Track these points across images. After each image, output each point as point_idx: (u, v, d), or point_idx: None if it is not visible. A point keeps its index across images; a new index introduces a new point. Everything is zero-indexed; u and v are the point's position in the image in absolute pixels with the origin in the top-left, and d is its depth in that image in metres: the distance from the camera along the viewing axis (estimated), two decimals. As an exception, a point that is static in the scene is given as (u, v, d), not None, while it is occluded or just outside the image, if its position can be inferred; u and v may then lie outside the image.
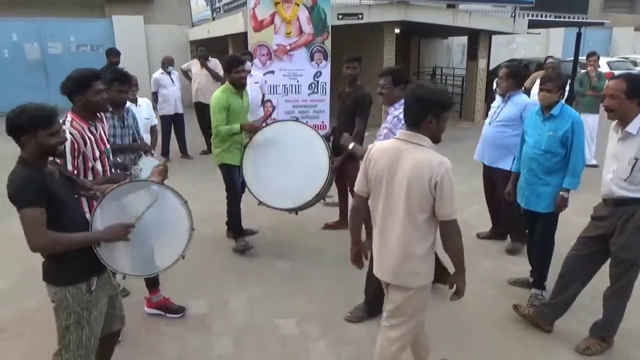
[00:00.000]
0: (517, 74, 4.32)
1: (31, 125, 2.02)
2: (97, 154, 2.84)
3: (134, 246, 2.28)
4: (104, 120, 3.11)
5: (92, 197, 2.42)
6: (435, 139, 2.25)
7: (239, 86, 4.29)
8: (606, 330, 3.06)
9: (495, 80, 4.42)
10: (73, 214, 2.19)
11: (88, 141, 2.74)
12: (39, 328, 3.27)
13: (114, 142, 3.52)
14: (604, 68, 7.59)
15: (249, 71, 6.71)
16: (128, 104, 4.61)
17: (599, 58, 7.42)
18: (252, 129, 4.27)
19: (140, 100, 4.89)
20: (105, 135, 3.09)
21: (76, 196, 2.35)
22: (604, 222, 2.94)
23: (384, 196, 2.29)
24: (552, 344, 3.14)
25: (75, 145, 2.68)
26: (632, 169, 2.73)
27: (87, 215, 2.37)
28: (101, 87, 2.75)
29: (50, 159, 2.19)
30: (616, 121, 2.86)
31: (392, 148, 2.27)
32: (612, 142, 2.92)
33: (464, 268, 2.35)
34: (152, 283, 3.42)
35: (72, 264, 2.15)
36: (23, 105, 2.08)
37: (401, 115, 3.20)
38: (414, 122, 2.23)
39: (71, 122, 2.70)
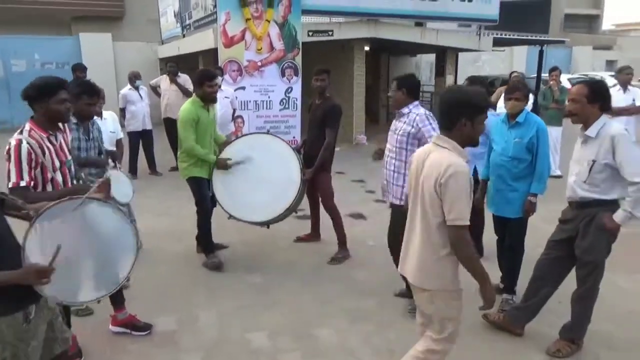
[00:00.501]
0: (478, 82, 4.40)
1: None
2: (57, 164, 2.74)
3: (74, 271, 2.13)
4: (67, 130, 3.02)
5: (24, 218, 2.17)
6: (470, 142, 2.21)
7: (210, 100, 4.26)
8: (575, 332, 3.11)
9: None
10: (3, 239, 1.96)
11: (47, 151, 2.65)
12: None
13: (79, 155, 3.43)
14: (565, 84, 7.90)
15: (219, 86, 6.71)
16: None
17: (560, 73, 7.72)
18: (223, 168, 4.25)
19: (105, 113, 4.81)
20: (67, 145, 3.00)
21: (4, 216, 2.06)
22: (569, 225, 3.02)
23: (412, 198, 2.33)
24: (524, 348, 3.17)
25: (33, 156, 2.57)
26: (590, 170, 2.83)
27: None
28: (65, 97, 2.67)
29: None
30: (581, 126, 2.96)
31: (422, 151, 2.31)
32: (577, 146, 3.02)
33: (483, 277, 2.24)
34: (117, 300, 3.29)
35: (7, 292, 1.90)
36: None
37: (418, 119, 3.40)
38: (447, 125, 2.20)
39: (29, 131, 2.60)
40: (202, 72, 4.33)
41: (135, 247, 2.36)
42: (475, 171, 4.26)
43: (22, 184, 2.51)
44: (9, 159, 2.52)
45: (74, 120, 3.38)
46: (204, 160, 4.24)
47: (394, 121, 3.65)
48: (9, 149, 2.52)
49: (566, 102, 7.53)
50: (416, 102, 3.57)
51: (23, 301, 1.99)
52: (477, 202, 3.91)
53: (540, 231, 3.72)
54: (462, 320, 3.44)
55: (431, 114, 3.51)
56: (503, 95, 6.64)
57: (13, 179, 2.51)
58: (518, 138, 3.48)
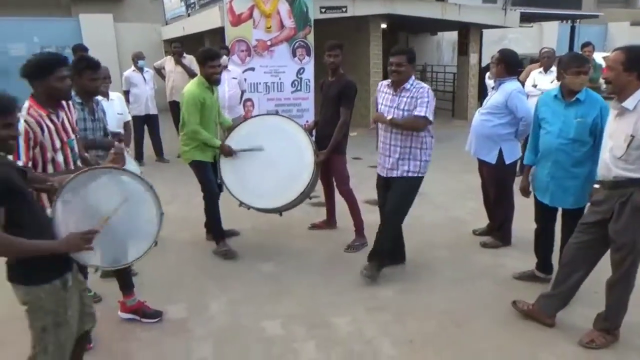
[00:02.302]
0: (508, 59, 4.22)
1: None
2: (58, 144, 2.80)
3: (101, 240, 2.23)
4: (70, 110, 3.08)
5: (48, 190, 2.35)
6: None
7: (213, 81, 4.28)
8: (610, 322, 3.08)
9: (487, 73, 4.46)
10: (36, 210, 2.14)
11: (46, 129, 2.70)
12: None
13: (85, 136, 3.50)
14: (600, 63, 7.78)
15: (226, 66, 6.73)
16: (99, 97, 4.61)
17: (594, 49, 7.59)
18: (229, 155, 4.28)
19: (112, 94, 4.88)
20: (72, 126, 3.06)
21: (30, 190, 2.23)
22: (602, 207, 2.97)
23: None
24: (555, 339, 3.16)
25: (31, 134, 2.64)
26: (628, 146, 2.75)
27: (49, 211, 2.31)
28: (65, 74, 2.72)
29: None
30: (615, 97, 2.89)
31: None
32: (610, 119, 2.96)
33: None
34: (126, 286, 3.37)
35: (45, 261, 2.07)
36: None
37: (420, 96, 3.60)
38: None
39: (28, 109, 2.67)
40: (204, 52, 4.34)
41: (158, 214, 2.45)
42: (500, 153, 4.22)
43: (20, 164, 2.57)
44: None
45: (78, 99, 3.44)
46: (208, 144, 4.28)
47: (387, 95, 3.81)
48: None
49: (600, 81, 7.44)
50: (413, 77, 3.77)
51: (61, 269, 2.15)
52: (523, 192, 3.78)
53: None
54: (492, 309, 3.49)
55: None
56: (532, 74, 6.61)
57: (10, 158, 2.57)
58: (580, 117, 3.31)
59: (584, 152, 3.35)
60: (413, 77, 3.72)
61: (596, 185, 3.07)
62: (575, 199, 3.45)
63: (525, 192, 3.76)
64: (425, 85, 3.72)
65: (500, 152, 4.22)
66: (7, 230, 1.98)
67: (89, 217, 2.24)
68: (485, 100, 4.47)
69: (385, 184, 3.92)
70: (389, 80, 3.79)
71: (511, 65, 4.24)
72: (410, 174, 3.76)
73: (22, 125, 2.58)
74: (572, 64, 3.35)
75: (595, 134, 3.29)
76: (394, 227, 3.92)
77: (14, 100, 2.12)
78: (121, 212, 2.29)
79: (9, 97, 2.09)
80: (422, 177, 3.84)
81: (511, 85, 4.18)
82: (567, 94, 3.40)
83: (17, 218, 2.00)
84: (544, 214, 3.71)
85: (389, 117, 3.71)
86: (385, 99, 3.82)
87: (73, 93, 3.24)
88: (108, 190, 2.34)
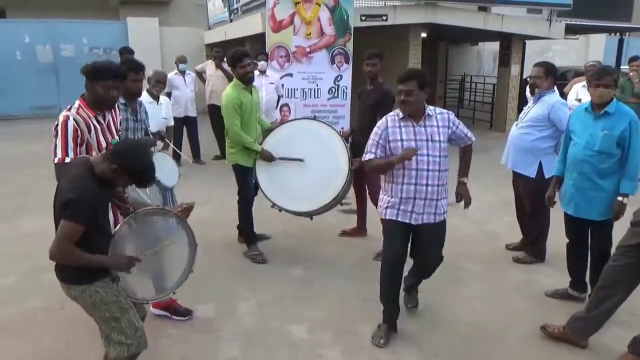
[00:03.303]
0: (554, 71, 4.22)
1: (131, 173, 2.31)
2: (104, 144, 2.93)
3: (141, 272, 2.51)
4: (116, 111, 3.21)
5: (124, 211, 2.67)
6: None
7: (247, 80, 4.34)
8: (647, 346, 2.98)
9: (528, 85, 4.38)
10: (101, 230, 2.37)
11: (93, 129, 2.84)
12: (40, 329, 3.36)
13: (126, 135, 3.63)
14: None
15: (264, 71, 6.86)
16: (149, 99, 4.78)
17: (642, 63, 7.32)
18: (269, 159, 4.33)
19: (161, 98, 5.06)
20: (116, 126, 3.19)
21: (110, 203, 2.57)
22: None
23: None
24: (586, 360, 3.08)
25: (78, 132, 2.77)
26: None
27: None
28: (112, 85, 2.84)
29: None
30: None
31: None
32: None
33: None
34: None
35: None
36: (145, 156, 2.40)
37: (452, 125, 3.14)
38: None
39: (77, 108, 2.81)
40: (232, 55, 4.39)
41: (188, 270, 2.74)
42: (540, 167, 4.15)
43: (67, 160, 2.71)
44: (56, 135, 2.75)
45: (122, 100, 3.58)
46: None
47: (407, 129, 3.14)
48: (57, 125, 2.75)
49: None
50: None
51: (106, 271, 2.41)
52: (548, 200, 3.79)
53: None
54: (521, 327, 3.42)
55: None
56: (575, 87, 6.46)
57: (59, 154, 2.73)
58: (607, 130, 3.32)
59: (611, 164, 3.36)
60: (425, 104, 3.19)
61: (623, 200, 3.15)
62: (599, 211, 3.44)
63: (550, 201, 3.78)
64: (445, 110, 3.29)
65: (540, 165, 4.15)
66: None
67: (140, 246, 2.50)
68: (522, 114, 4.40)
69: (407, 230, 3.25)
70: (396, 112, 3.20)
71: (555, 77, 4.23)
72: (445, 216, 3.27)
73: (71, 124, 2.72)
74: (593, 77, 3.42)
75: (624, 146, 3.30)
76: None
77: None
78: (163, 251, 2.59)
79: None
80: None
81: (553, 97, 4.15)
82: (596, 106, 3.43)
83: (88, 232, 2.24)
84: (573, 228, 3.69)
85: (464, 181, 3.35)
86: (405, 133, 3.13)
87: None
88: (165, 231, 2.65)
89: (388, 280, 3.26)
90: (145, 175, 2.33)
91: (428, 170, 3.10)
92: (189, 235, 2.66)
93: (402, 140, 3.13)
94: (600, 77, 3.36)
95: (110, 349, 2.40)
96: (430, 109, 3.19)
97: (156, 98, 4.86)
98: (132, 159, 2.28)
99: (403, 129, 3.15)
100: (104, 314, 2.36)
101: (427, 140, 3.11)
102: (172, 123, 5.36)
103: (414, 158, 3.08)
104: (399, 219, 3.19)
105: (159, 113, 4.83)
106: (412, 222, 3.18)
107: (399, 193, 3.16)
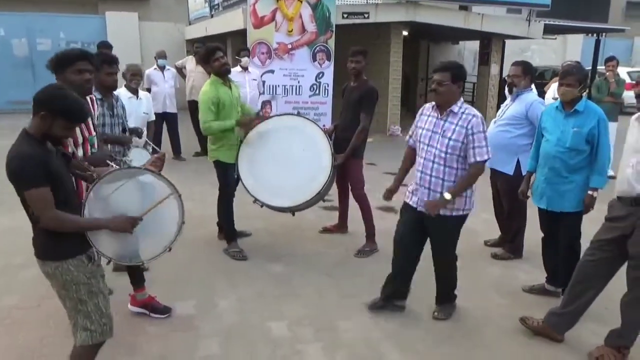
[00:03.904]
0: (532, 70, 4.32)
1: (60, 111, 2.12)
2: (80, 140, 2.87)
3: (122, 234, 2.37)
4: (93, 106, 3.15)
5: (87, 179, 2.50)
6: None
7: (223, 73, 4.27)
8: (623, 340, 3.02)
9: (507, 83, 4.44)
10: (69, 194, 2.28)
11: None
12: (15, 326, 3.28)
13: (103, 131, 3.57)
14: (624, 78, 7.67)
15: (247, 68, 6.82)
16: (128, 95, 4.70)
17: (618, 64, 7.48)
18: (248, 124, 4.27)
19: (140, 93, 4.98)
20: (93, 122, 3.13)
21: (70, 175, 2.43)
22: (621, 223, 2.93)
23: None
24: (563, 353, 3.13)
25: None
26: None
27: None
28: (82, 68, 2.77)
29: None
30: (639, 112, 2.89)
31: None
32: (633, 133, 2.93)
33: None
34: (138, 280, 3.43)
35: (71, 237, 2.25)
36: (67, 92, 2.20)
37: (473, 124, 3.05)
38: None
39: None
40: (205, 50, 4.34)
41: (180, 223, 2.56)
42: (518, 164, 4.20)
43: None
44: None
45: (98, 95, 3.52)
46: (229, 139, 4.28)
47: (430, 119, 3.26)
48: None
49: (622, 96, 7.34)
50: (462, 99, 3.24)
51: (84, 246, 2.31)
52: (522, 195, 3.88)
53: (584, 231, 3.64)
54: (499, 322, 3.46)
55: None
56: (555, 84, 6.56)
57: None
58: (577, 127, 3.43)
59: (580, 160, 3.48)
60: (462, 100, 3.20)
61: (593, 194, 3.26)
62: (570, 203, 3.55)
63: (523, 195, 3.90)
64: (478, 113, 3.18)
65: (518, 163, 4.21)
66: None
67: (116, 211, 2.36)
68: (499, 111, 4.45)
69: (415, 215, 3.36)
70: (433, 102, 3.28)
71: (533, 76, 4.36)
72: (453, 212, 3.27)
73: None
74: (559, 77, 3.58)
75: (593, 143, 3.43)
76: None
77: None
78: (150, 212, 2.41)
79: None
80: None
81: (531, 96, 4.25)
82: (566, 105, 3.55)
83: (58, 199, 2.15)
84: (545, 221, 3.78)
85: (446, 196, 3.14)
86: (427, 122, 3.25)
87: (93, 88, 3.31)
88: (142, 189, 2.47)
89: (393, 258, 3.54)
90: (75, 107, 2.16)
91: (433, 162, 3.21)
92: (171, 187, 2.49)
93: (420, 127, 3.31)
94: (563, 77, 3.51)
95: (77, 336, 2.33)
96: (457, 106, 3.16)
97: (135, 92, 4.78)
98: (55, 97, 2.14)
99: (428, 118, 3.29)
100: (72, 294, 2.27)
101: (440, 134, 3.19)
102: (153, 118, 5.30)
103: (424, 148, 3.25)
104: (407, 200, 3.42)
105: (139, 108, 4.76)
106: (418, 208, 3.32)
107: (415, 178, 3.37)
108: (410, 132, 3.50)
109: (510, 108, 4.26)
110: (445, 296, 3.56)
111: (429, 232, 3.38)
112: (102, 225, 2.31)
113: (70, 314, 2.34)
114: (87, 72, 2.79)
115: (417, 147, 3.36)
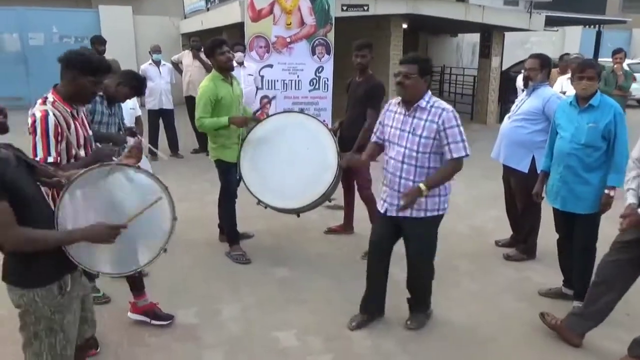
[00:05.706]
0: (549, 63, 4.15)
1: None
2: (82, 140, 2.69)
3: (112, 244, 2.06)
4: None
5: (56, 185, 2.20)
6: None
7: (226, 69, 4.07)
8: (650, 349, 2.90)
9: (521, 76, 4.28)
10: (38, 207, 1.97)
11: (72, 126, 2.57)
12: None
13: (99, 129, 3.39)
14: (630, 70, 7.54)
15: (242, 63, 6.62)
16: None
17: (625, 56, 7.34)
18: (242, 123, 4.07)
19: None
20: (87, 120, 2.94)
21: (38, 184, 2.10)
22: None
23: None
24: (582, 362, 2.99)
25: (59, 129, 2.48)
26: None
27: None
28: (101, 80, 2.56)
29: (3, 142, 1.94)
30: None
31: None
32: None
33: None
34: (137, 287, 3.26)
35: (41, 262, 1.94)
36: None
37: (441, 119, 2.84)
38: None
39: (53, 102, 2.51)
40: (210, 42, 4.10)
41: (171, 219, 2.24)
42: (533, 161, 4.04)
43: (50, 159, 2.45)
44: (34, 132, 2.44)
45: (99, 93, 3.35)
46: (230, 137, 4.10)
47: (397, 116, 3.06)
48: (35, 122, 2.44)
49: (630, 89, 7.17)
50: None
51: (59, 271, 2.01)
52: (536, 196, 3.71)
53: (602, 231, 3.48)
54: (513, 327, 3.32)
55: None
56: (563, 78, 6.39)
57: (40, 154, 2.44)
58: (592, 123, 3.27)
59: (597, 157, 3.31)
60: (429, 94, 2.99)
61: (631, 200, 2.89)
62: (585, 205, 3.37)
63: (537, 197, 3.72)
64: (448, 106, 2.96)
65: (533, 160, 4.05)
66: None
67: (99, 216, 2.05)
68: (514, 106, 4.27)
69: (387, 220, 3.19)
70: (399, 98, 3.09)
71: (550, 70, 4.19)
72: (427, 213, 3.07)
73: (51, 119, 2.44)
74: (576, 70, 3.37)
75: (609, 139, 3.26)
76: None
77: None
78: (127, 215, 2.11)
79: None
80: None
81: (548, 90, 4.08)
82: (580, 100, 3.38)
83: (21, 214, 1.85)
84: (561, 223, 3.63)
85: (421, 186, 2.91)
86: (394, 119, 3.06)
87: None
88: (121, 189, 2.16)
89: (368, 265, 3.36)
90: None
91: (403, 162, 3.00)
92: (156, 182, 2.20)
93: (390, 126, 3.10)
94: (583, 69, 3.31)
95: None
96: (425, 101, 2.96)
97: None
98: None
99: (394, 115, 3.09)
100: (29, 327, 1.98)
101: (409, 132, 2.98)
102: (139, 113, 5.13)
103: (393, 147, 3.05)
104: (380, 209, 3.22)
105: (125, 104, 4.57)
106: (387, 214, 3.12)
107: (384, 180, 3.16)
108: (374, 130, 3.28)
109: (526, 103, 4.09)
110: (420, 305, 3.36)
111: (404, 235, 3.17)
112: (77, 238, 1.96)
113: (23, 344, 2.05)
114: (99, 84, 2.61)
115: (386, 146, 3.14)
